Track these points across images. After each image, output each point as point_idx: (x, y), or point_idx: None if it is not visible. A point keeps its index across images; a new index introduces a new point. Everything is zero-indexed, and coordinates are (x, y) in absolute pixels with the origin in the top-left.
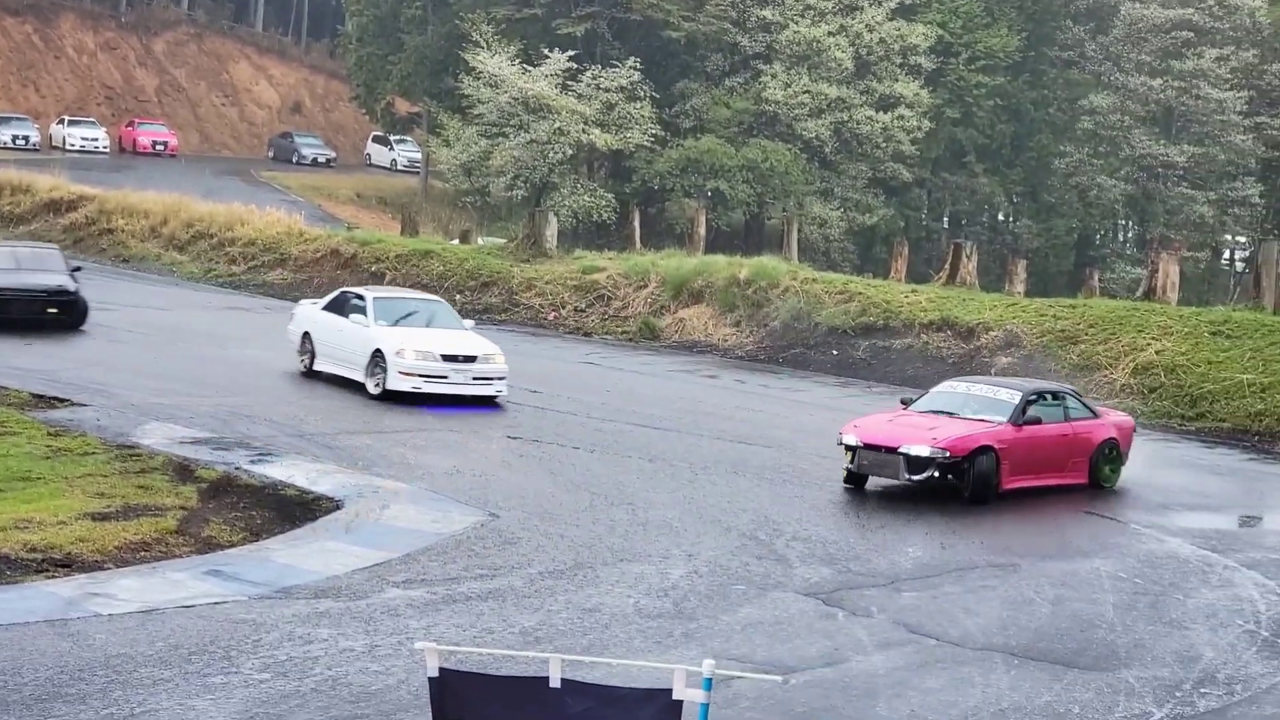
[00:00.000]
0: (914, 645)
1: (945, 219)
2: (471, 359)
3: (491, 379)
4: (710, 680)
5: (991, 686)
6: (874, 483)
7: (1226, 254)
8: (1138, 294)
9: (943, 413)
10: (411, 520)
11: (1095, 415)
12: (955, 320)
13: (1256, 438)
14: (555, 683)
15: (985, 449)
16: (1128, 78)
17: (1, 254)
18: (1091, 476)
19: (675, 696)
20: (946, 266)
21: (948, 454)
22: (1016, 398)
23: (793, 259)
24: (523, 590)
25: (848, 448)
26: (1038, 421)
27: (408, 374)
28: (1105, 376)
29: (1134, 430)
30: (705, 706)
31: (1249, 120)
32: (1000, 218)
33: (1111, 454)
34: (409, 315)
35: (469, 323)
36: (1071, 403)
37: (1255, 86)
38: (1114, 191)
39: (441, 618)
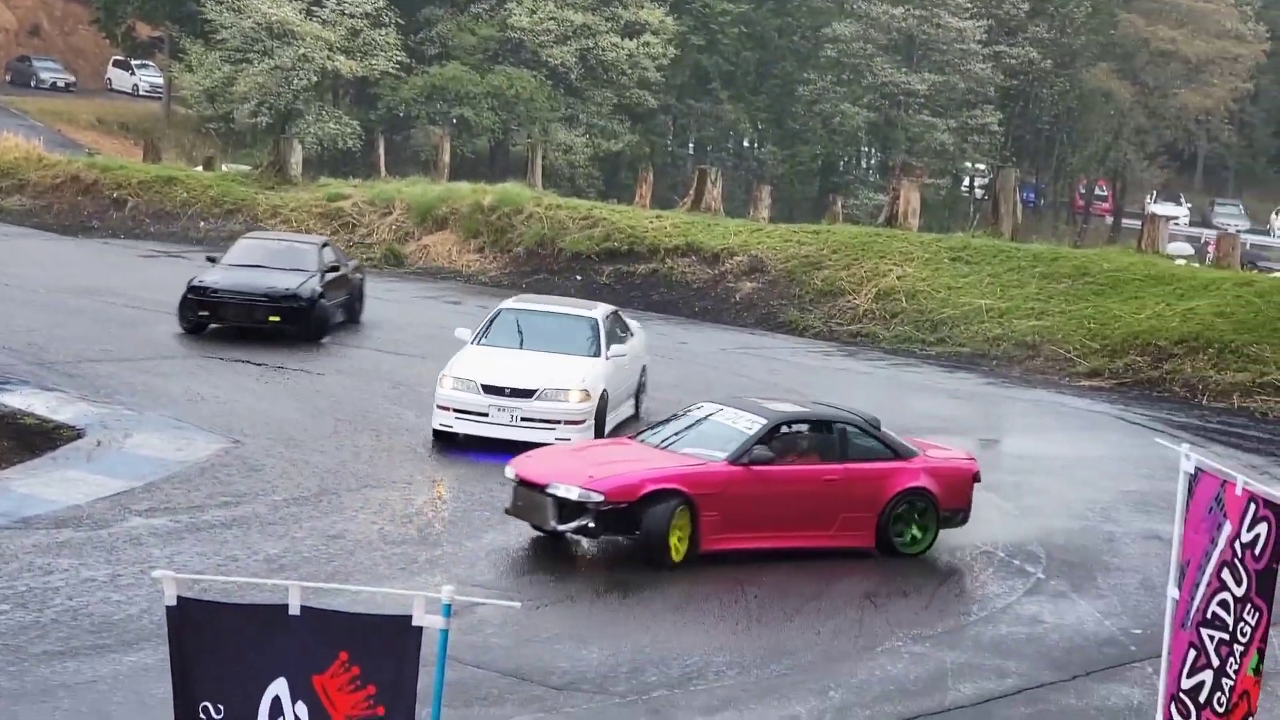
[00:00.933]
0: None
1: (691, 145)
2: (525, 394)
3: (552, 422)
4: (449, 606)
5: (731, 612)
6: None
7: (966, 181)
8: (880, 220)
9: (672, 444)
10: (155, 448)
11: (898, 455)
12: (700, 246)
13: (994, 362)
14: (295, 610)
15: (666, 494)
16: (870, 6)
17: (248, 247)
18: (882, 539)
19: (415, 623)
20: (691, 192)
21: (604, 499)
22: (756, 426)
23: (537, 185)
24: (267, 517)
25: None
26: (769, 461)
27: (443, 408)
28: (848, 302)
29: (973, 478)
30: (445, 633)
31: (988, 49)
32: (745, 144)
33: (921, 511)
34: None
35: (623, 349)
36: (856, 436)
37: (994, 15)
38: (857, 119)
39: (185, 546)
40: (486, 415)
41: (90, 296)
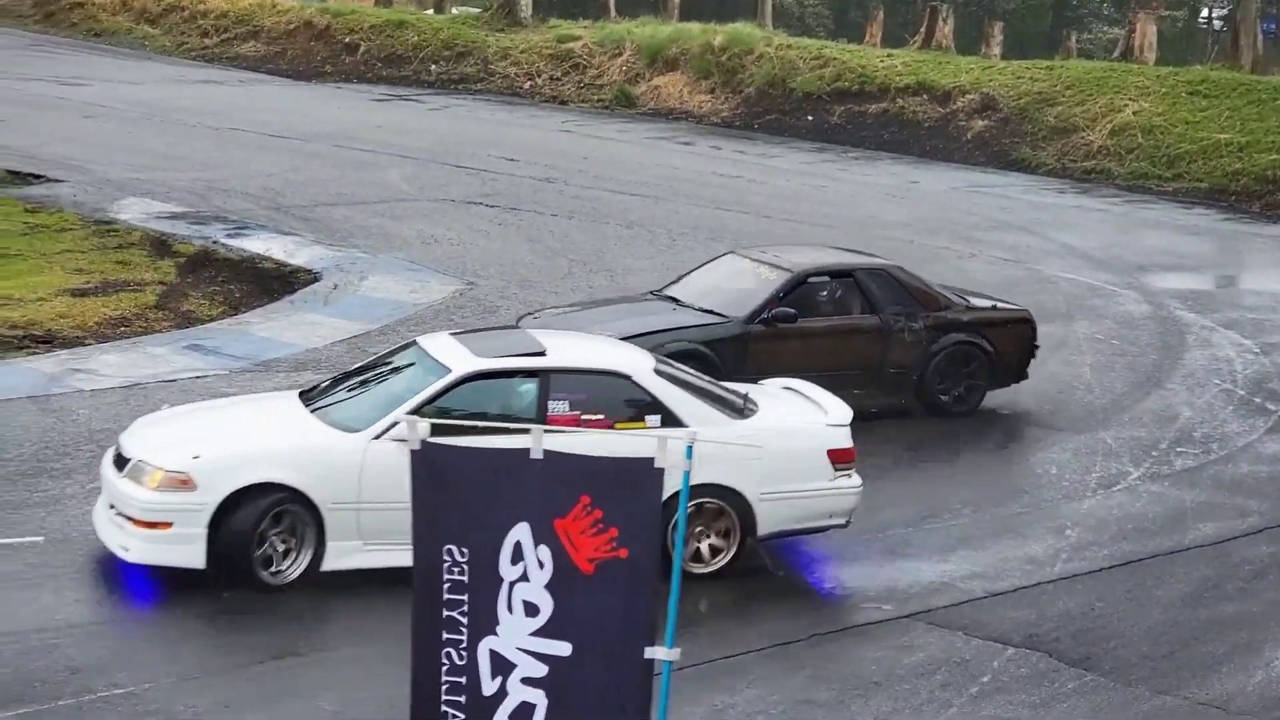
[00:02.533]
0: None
1: None
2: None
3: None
4: (691, 447)
5: (970, 447)
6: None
7: (1205, 13)
8: (1115, 54)
9: None
10: (390, 291)
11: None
12: (931, 84)
13: (1233, 197)
14: (537, 454)
15: None
16: None
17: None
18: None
19: (657, 465)
20: (922, 30)
21: None
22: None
23: (767, 25)
24: None
25: None
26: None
27: None
28: (1082, 139)
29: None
30: (687, 474)
31: None
32: None
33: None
34: None
35: None
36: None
37: None
38: None
39: None
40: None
41: (324, 141)
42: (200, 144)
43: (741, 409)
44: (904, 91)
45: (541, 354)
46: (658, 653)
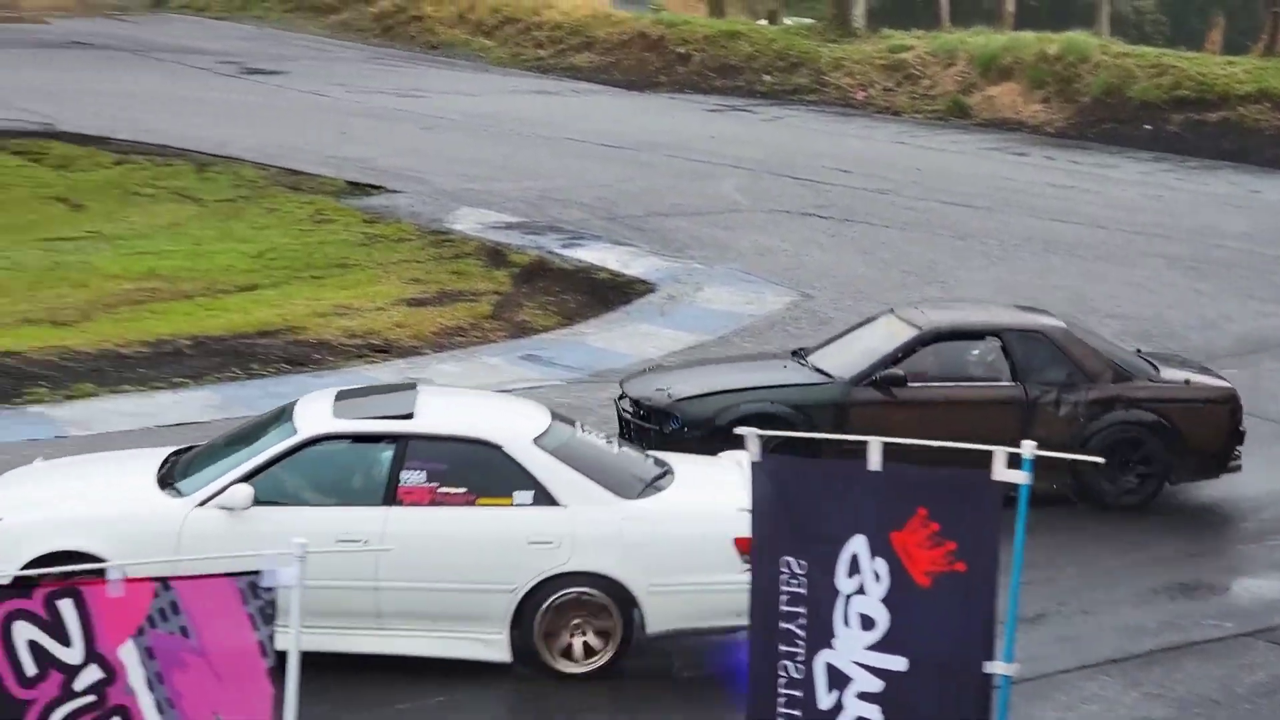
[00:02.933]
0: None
1: None
2: None
3: None
4: (1031, 461)
5: None
6: (1196, 258)
7: None
8: None
9: None
10: (725, 302)
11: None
12: (1273, 91)
13: None
14: (875, 466)
15: None
16: None
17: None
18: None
19: (994, 478)
20: (1265, 36)
21: None
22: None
23: (1103, 33)
24: None
25: None
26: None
27: None
28: None
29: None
30: (1026, 488)
31: None
32: None
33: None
34: None
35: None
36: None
37: None
38: None
39: None
40: None
41: (657, 151)
42: (535, 154)
43: (645, 487)
44: (1245, 99)
45: (407, 417)
46: (996, 667)
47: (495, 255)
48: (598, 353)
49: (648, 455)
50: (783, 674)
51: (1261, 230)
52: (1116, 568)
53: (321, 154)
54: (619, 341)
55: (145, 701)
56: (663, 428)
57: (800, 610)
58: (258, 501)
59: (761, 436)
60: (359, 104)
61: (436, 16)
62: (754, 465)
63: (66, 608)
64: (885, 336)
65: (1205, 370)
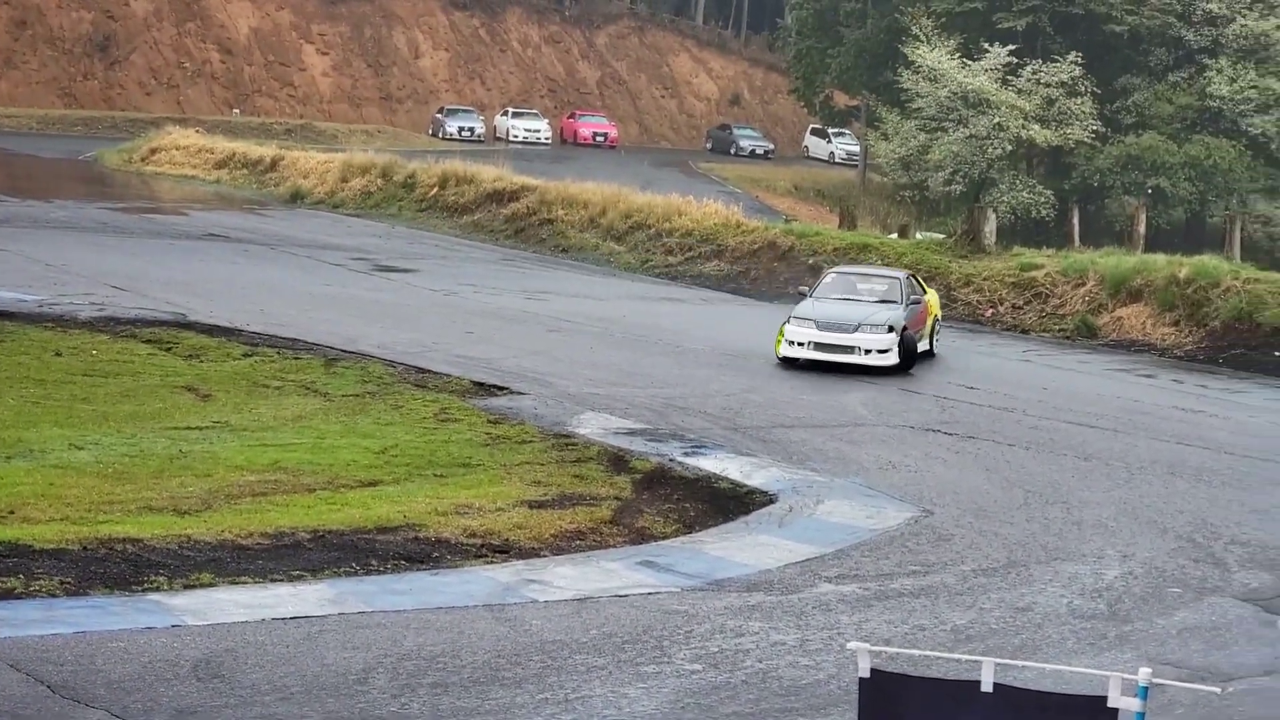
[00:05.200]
0: None
1: None
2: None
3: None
4: (1146, 689)
5: None
6: None
7: None
8: None
9: None
10: (845, 515)
11: None
12: None
13: None
14: (987, 686)
15: None
16: None
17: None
18: None
19: (1110, 704)
20: None
21: None
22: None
23: (1235, 258)
24: (955, 588)
25: None
26: None
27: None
28: None
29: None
30: (1141, 715)
31: None
32: None
33: None
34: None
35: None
36: None
37: None
38: None
39: (873, 614)
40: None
41: (783, 362)
42: (660, 361)
43: None
44: None
45: None
46: None
47: (617, 461)
48: (715, 561)
49: None
50: None
51: None
52: None
53: (449, 353)
54: (737, 551)
55: None
56: None
57: None
58: None
59: (869, 650)
60: (487, 304)
61: (568, 220)
62: (861, 681)
63: None
64: None
65: None
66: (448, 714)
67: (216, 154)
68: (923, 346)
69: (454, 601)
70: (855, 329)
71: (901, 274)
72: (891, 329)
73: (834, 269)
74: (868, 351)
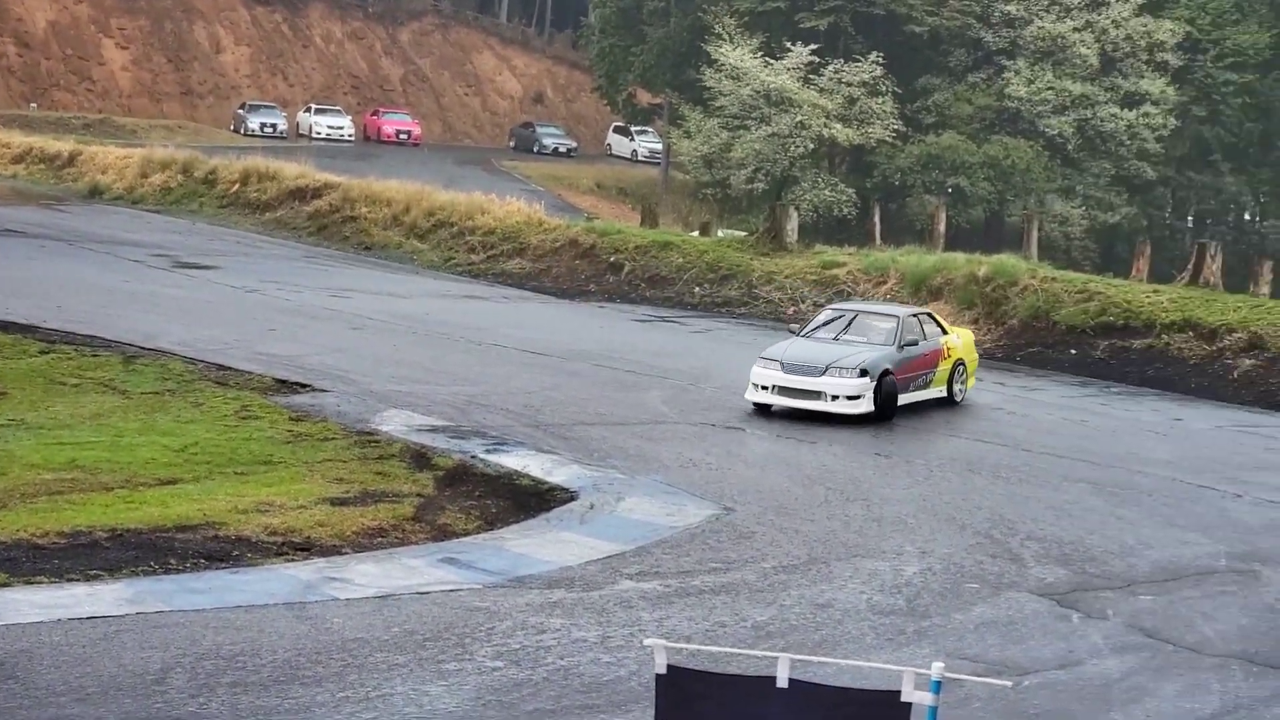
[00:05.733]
0: (1150, 650)
1: (1189, 218)
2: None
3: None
4: (939, 683)
5: (1230, 694)
6: (1118, 483)
7: None
8: None
9: None
10: (646, 513)
11: None
12: (1198, 321)
13: None
14: (782, 683)
15: None
16: None
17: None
18: None
19: (904, 699)
20: (1190, 266)
21: None
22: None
23: (1033, 257)
24: (756, 585)
25: None
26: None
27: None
28: None
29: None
30: (933, 710)
31: None
32: (1246, 217)
33: None
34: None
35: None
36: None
37: None
38: None
39: (674, 610)
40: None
41: (585, 360)
42: (462, 358)
43: None
44: (1170, 328)
45: None
46: None
47: (419, 458)
48: (517, 558)
49: None
50: None
51: (1183, 458)
52: None
53: (250, 350)
54: (539, 548)
55: None
56: None
57: None
58: None
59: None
60: (289, 301)
61: (371, 218)
62: (658, 677)
63: None
64: None
65: None
66: (247, 713)
67: (13, 148)
68: (928, 394)
69: (254, 600)
70: (823, 372)
71: (903, 312)
72: (865, 373)
73: (832, 305)
74: (834, 398)
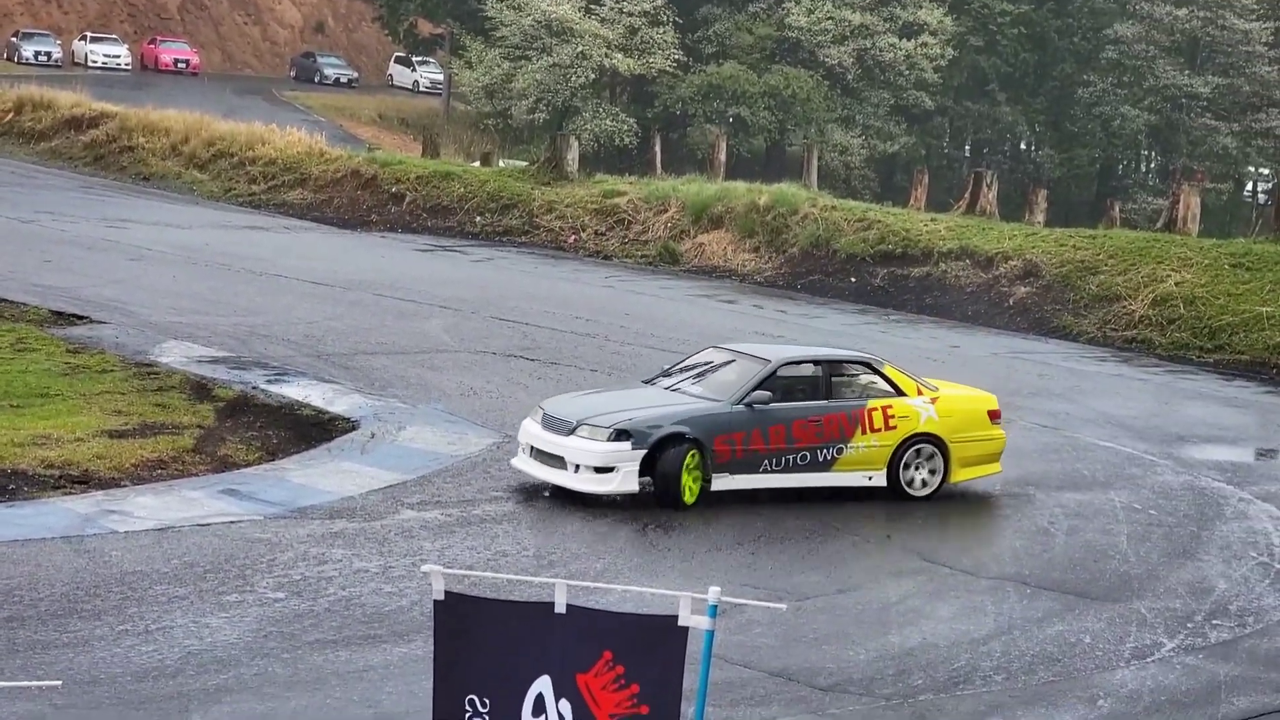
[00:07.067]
0: (927, 573)
1: (967, 147)
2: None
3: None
4: (715, 607)
5: (1004, 615)
6: None
7: (1249, 186)
8: (1158, 225)
9: None
10: (427, 442)
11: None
12: (974, 249)
13: (1275, 371)
14: (560, 609)
15: None
16: (1153, 7)
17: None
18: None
19: (681, 623)
20: (966, 195)
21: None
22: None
23: (813, 186)
24: (538, 513)
25: None
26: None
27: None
28: (1124, 308)
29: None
30: (710, 634)
31: (1274, 51)
32: (1022, 147)
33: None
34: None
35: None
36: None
37: None
38: (1137, 122)
39: (455, 539)
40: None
41: (366, 290)
42: (243, 289)
43: None
44: (947, 256)
45: None
46: None
47: (199, 389)
48: (298, 489)
49: None
50: None
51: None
52: None
53: (25, 281)
54: (320, 478)
55: None
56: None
57: None
58: None
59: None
60: (65, 232)
61: (149, 148)
62: (436, 603)
63: None
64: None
65: None
66: (24, 648)
67: None
68: (826, 478)
69: (31, 534)
70: (571, 430)
71: (777, 359)
72: (624, 436)
73: (714, 346)
74: (578, 468)
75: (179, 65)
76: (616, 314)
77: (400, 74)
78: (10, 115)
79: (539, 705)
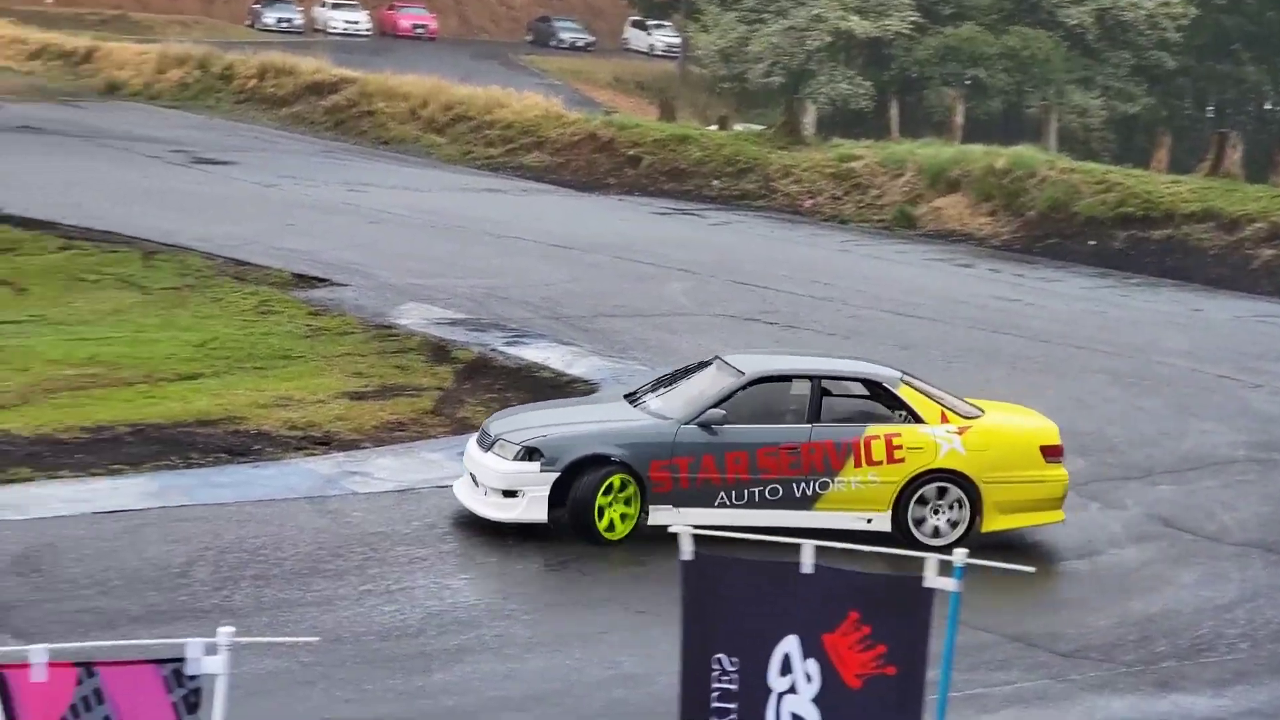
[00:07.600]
0: (1169, 539)
1: (1210, 108)
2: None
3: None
4: (962, 569)
5: (1249, 582)
6: (1137, 374)
7: None
8: None
9: None
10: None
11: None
12: (1218, 211)
13: None
14: (807, 569)
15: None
16: None
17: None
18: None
19: (927, 585)
20: (1210, 157)
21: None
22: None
23: (1051, 148)
24: None
25: None
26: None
27: None
28: None
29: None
30: (957, 595)
31: None
32: (1267, 107)
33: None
34: None
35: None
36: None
37: None
38: None
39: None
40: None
41: (604, 252)
42: (481, 251)
43: None
44: (1189, 218)
45: None
46: None
47: (439, 351)
48: None
49: None
50: None
51: (1202, 349)
52: None
53: (268, 245)
54: None
55: None
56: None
57: (731, 706)
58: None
59: (690, 532)
60: (307, 196)
61: (388, 112)
62: (683, 564)
63: None
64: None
65: None
66: (270, 606)
67: (29, 45)
68: (808, 517)
69: (275, 494)
70: (489, 447)
71: (753, 371)
72: (534, 455)
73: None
74: (487, 491)
75: (417, 30)
76: (854, 278)
77: (636, 37)
78: (254, 81)
79: (786, 665)
